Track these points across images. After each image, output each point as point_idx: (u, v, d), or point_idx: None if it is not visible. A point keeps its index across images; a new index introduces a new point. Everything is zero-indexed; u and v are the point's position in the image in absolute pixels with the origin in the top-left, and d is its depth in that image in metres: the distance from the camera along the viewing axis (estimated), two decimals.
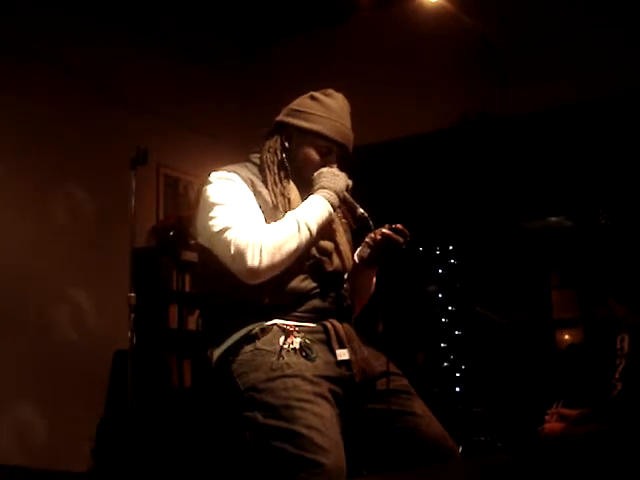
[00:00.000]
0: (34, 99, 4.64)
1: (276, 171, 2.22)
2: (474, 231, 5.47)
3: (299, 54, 5.93)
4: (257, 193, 2.17)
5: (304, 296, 2.13)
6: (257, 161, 2.27)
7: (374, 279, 2.41)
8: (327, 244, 2.20)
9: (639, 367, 3.06)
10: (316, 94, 2.29)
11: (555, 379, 4.61)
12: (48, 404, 4.38)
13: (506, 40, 5.22)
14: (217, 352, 2.17)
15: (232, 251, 2.02)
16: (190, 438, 4.47)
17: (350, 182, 2.24)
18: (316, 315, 2.13)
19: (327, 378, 2.04)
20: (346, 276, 2.28)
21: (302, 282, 2.12)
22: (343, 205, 2.25)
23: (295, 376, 1.99)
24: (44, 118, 4.69)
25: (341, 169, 2.25)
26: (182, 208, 5.51)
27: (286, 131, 2.27)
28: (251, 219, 2.09)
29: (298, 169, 2.24)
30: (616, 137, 4.96)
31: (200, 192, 2.19)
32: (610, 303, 3.40)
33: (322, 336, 2.11)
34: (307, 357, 2.04)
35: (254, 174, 2.22)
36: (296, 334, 2.07)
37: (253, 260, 2.00)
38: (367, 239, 2.28)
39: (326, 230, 2.20)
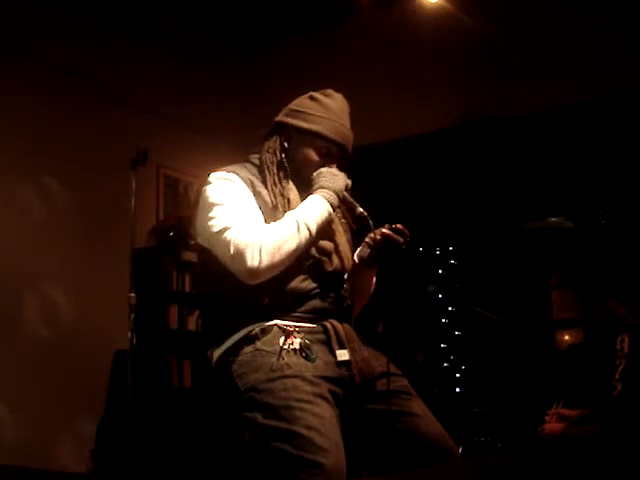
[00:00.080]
0: (34, 99, 4.63)
1: (275, 171, 2.22)
2: (474, 231, 5.47)
3: (299, 54, 5.93)
4: (256, 193, 2.17)
5: (304, 296, 2.12)
6: (256, 161, 2.27)
7: (374, 279, 2.41)
8: (327, 244, 2.20)
9: (639, 368, 3.06)
10: (315, 94, 2.29)
11: (555, 379, 4.61)
12: (48, 404, 4.37)
13: (506, 40, 5.22)
14: (217, 352, 2.17)
15: (231, 251, 2.02)
16: (190, 438, 4.47)
17: (349, 182, 2.24)
18: (316, 315, 2.13)
19: (327, 379, 2.04)
20: (346, 276, 2.28)
21: (302, 282, 2.12)
22: (342, 205, 2.25)
23: (295, 377, 1.99)
24: (44, 118, 4.68)
25: (340, 169, 2.25)
26: (182, 208, 5.51)
27: (285, 131, 2.27)
28: (250, 219, 2.09)
29: (297, 169, 2.24)
30: (616, 137, 4.96)
31: (199, 192, 2.19)
32: (610, 303, 3.40)
33: (322, 336, 2.11)
34: (307, 358, 2.04)
35: (253, 174, 2.22)
36: (296, 335, 2.07)
37: (253, 260, 2.00)
38: (367, 239, 2.28)
39: (326, 230, 2.20)
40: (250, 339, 2.08)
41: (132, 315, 3.32)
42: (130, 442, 3.47)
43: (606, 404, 3.11)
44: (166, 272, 5.19)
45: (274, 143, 2.27)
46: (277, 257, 2.03)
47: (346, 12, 5.70)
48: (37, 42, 4.70)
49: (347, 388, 2.09)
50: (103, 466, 4.52)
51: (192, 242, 2.43)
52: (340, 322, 2.15)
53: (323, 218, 2.13)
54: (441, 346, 5.46)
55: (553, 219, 5.64)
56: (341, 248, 2.25)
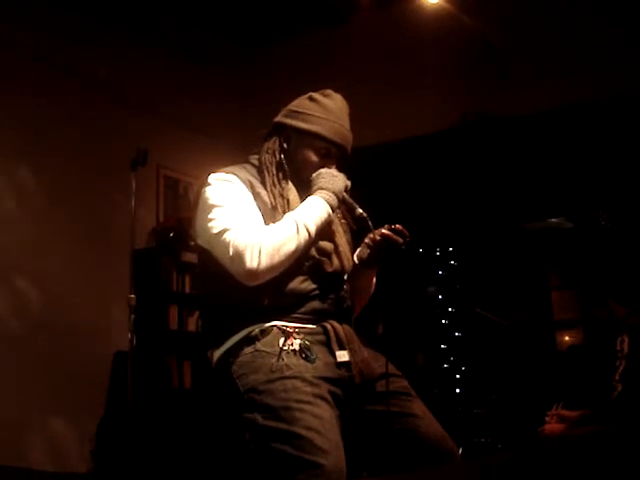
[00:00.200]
0: (34, 99, 4.63)
1: (274, 172, 2.22)
2: (474, 232, 5.47)
3: (299, 54, 5.93)
4: (256, 194, 2.16)
5: (304, 297, 2.12)
6: (256, 162, 2.27)
7: (374, 279, 2.40)
8: (326, 245, 2.20)
9: (639, 368, 3.06)
10: (314, 95, 2.29)
11: (555, 380, 4.62)
12: (48, 405, 4.37)
13: (506, 40, 5.22)
14: (217, 353, 2.17)
15: (231, 253, 2.02)
16: (190, 439, 4.47)
17: (349, 183, 2.23)
18: (316, 316, 2.13)
19: (327, 379, 2.04)
20: (346, 277, 2.27)
21: (302, 283, 2.12)
22: (342, 206, 2.25)
23: (295, 377, 1.99)
24: (44, 118, 4.68)
25: (340, 170, 2.24)
26: (182, 209, 5.51)
27: (284, 132, 2.27)
28: (250, 221, 2.09)
29: (297, 170, 2.24)
30: (616, 138, 4.96)
31: (199, 194, 2.19)
32: (610, 304, 3.40)
33: (322, 337, 2.11)
34: (307, 358, 2.04)
35: (253, 175, 2.22)
36: (296, 335, 2.07)
37: (252, 262, 2.00)
38: (366, 239, 2.27)
39: (325, 231, 2.20)
40: (250, 340, 2.08)
41: (132, 316, 3.32)
42: (130, 442, 3.47)
43: (606, 405, 3.11)
44: (166, 273, 5.18)
45: (273, 144, 2.27)
46: (276, 258, 2.03)
47: (346, 12, 5.69)
48: (37, 42, 4.70)
49: (347, 389, 2.09)
50: (103, 466, 4.52)
51: (192, 243, 2.43)
52: (340, 323, 2.15)
53: (322, 219, 2.13)
54: (441, 347, 5.46)
55: (553, 220, 5.64)
56: (341, 249, 2.24)
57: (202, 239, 2.16)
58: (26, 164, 4.57)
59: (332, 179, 2.18)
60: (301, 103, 2.29)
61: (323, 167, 2.21)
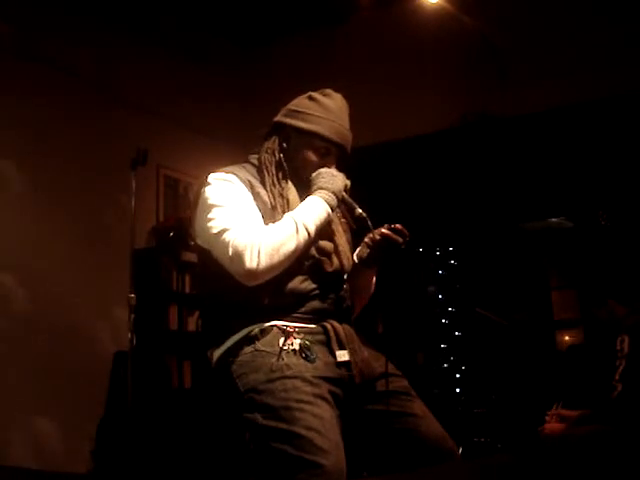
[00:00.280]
0: (34, 99, 4.63)
1: (274, 172, 2.21)
2: (474, 232, 5.47)
3: (299, 54, 5.93)
4: (255, 194, 2.16)
5: (304, 297, 2.12)
6: (255, 162, 2.27)
7: (374, 279, 2.40)
8: (326, 244, 2.19)
9: (639, 368, 3.06)
10: (314, 94, 2.29)
11: (555, 380, 4.61)
12: (48, 405, 4.37)
13: (506, 40, 5.22)
14: (217, 353, 2.17)
15: (230, 253, 2.02)
16: (190, 439, 4.47)
17: (348, 182, 2.23)
18: (316, 316, 2.13)
19: (327, 379, 2.04)
20: (346, 276, 2.27)
21: (302, 283, 2.12)
22: (342, 205, 2.25)
23: (295, 377, 1.99)
24: (44, 118, 4.68)
25: (339, 169, 2.24)
26: (182, 209, 5.51)
27: (284, 132, 2.27)
28: (249, 220, 2.09)
29: (296, 169, 2.24)
30: (616, 138, 4.96)
31: (199, 193, 2.18)
32: (610, 304, 3.40)
33: (322, 337, 2.11)
34: (307, 358, 2.04)
35: (252, 175, 2.22)
36: (296, 335, 2.07)
37: (251, 262, 2.00)
38: (366, 239, 2.27)
39: (325, 230, 2.19)
40: (250, 340, 2.08)
41: (132, 316, 3.32)
42: (130, 442, 3.47)
43: (606, 404, 3.11)
44: (166, 273, 5.19)
45: (273, 143, 2.26)
46: (276, 258, 2.03)
47: (346, 12, 5.69)
48: (37, 42, 4.70)
49: (347, 389, 2.09)
50: (103, 466, 4.52)
51: (192, 243, 2.44)
52: (340, 323, 2.15)
53: (322, 219, 2.13)
54: (441, 346, 5.46)
55: (553, 219, 5.64)
56: (341, 248, 2.24)
57: (202, 239, 2.16)
58: (26, 164, 4.57)
59: (332, 179, 2.18)
60: (301, 102, 2.29)
61: (323, 167, 2.21)
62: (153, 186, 5.50)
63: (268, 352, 2.04)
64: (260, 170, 2.23)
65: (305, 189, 2.20)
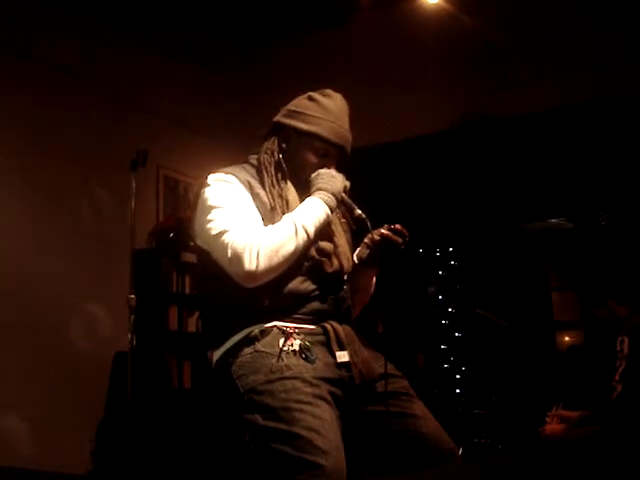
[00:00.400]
0: (34, 99, 4.63)
1: (273, 172, 2.21)
2: (474, 232, 5.47)
3: (299, 54, 5.93)
4: (255, 195, 2.16)
5: (304, 298, 2.12)
6: (255, 162, 2.27)
7: (374, 279, 2.40)
8: (326, 245, 2.19)
9: (639, 369, 3.06)
10: (314, 94, 2.29)
11: (555, 381, 4.61)
12: (48, 405, 4.37)
13: (506, 40, 5.22)
14: (217, 354, 2.17)
15: (229, 254, 2.02)
16: (190, 440, 4.47)
17: (348, 183, 2.23)
18: (316, 317, 2.13)
19: (327, 380, 2.04)
20: (346, 277, 2.27)
21: (301, 284, 2.12)
22: (341, 206, 2.24)
23: (295, 378, 1.99)
24: (44, 118, 4.68)
25: (339, 170, 2.24)
26: (182, 210, 5.51)
27: (283, 132, 2.27)
28: (248, 222, 2.08)
29: (296, 170, 2.24)
30: (616, 138, 4.95)
31: (198, 194, 2.18)
32: (610, 304, 3.40)
33: (322, 338, 2.11)
34: (307, 359, 2.04)
35: (252, 175, 2.21)
36: (296, 336, 2.07)
37: (250, 263, 2.00)
38: (366, 239, 2.27)
39: (325, 231, 2.19)
40: (250, 340, 2.08)
41: (132, 316, 3.32)
42: (130, 443, 3.47)
43: (606, 405, 3.11)
44: (166, 273, 5.18)
45: (272, 144, 2.26)
46: (275, 260, 2.02)
47: (346, 12, 5.69)
48: (37, 42, 4.70)
49: (347, 389, 2.09)
50: (103, 467, 4.51)
51: (192, 244, 2.44)
52: (340, 323, 2.15)
53: (321, 220, 2.13)
54: (441, 347, 5.45)
55: (553, 220, 5.63)
56: (340, 249, 2.24)
57: (201, 240, 2.16)
58: (26, 164, 4.56)
59: (331, 180, 2.18)
60: (300, 103, 2.29)
61: (322, 167, 2.21)
62: (153, 187, 5.50)
63: (268, 353, 2.04)
64: (259, 171, 2.23)
65: (305, 189, 2.19)
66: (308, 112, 2.24)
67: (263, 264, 2.01)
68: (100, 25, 5.05)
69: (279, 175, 2.21)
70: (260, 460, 2.03)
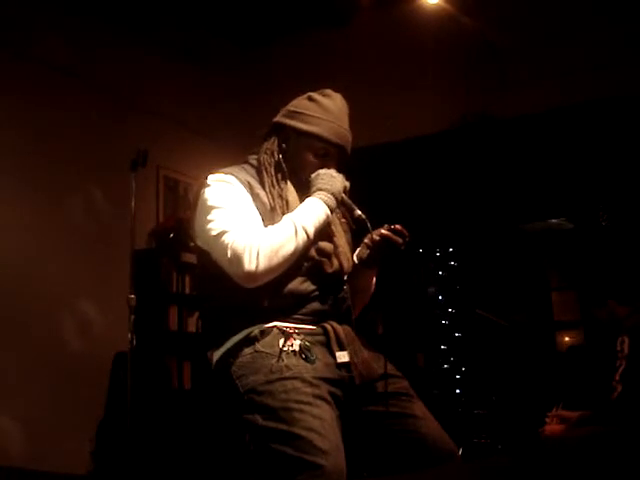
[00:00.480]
0: (34, 99, 4.63)
1: (273, 173, 2.21)
2: (474, 233, 5.47)
3: (299, 54, 5.92)
4: (255, 195, 2.16)
5: (304, 298, 2.12)
6: (255, 162, 2.26)
7: (374, 279, 2.40)
8: (326, 245, 2.19)
9: (639, 369, 3.05)
10: (313, 95, 2.28)
11: (555, 381, 4.61)
12: (48, 406, 4.37)
13: (506, 40, 5.22)
14: (217, 354, 2.16)
15: (229, 255, 2.02)
16: (190, 440, 4.47)
17: (347, 183, 2.23)
18: (316, 317, 2.12)
19: (327, 380, 2.04)
20: (346, 277, 2.27)
21: (301, 284, 2.11)
22: (341, 207, 2.24)
23: (294, 378, 1.98)
24: (44, 118, 4.68)
25: (339, 170, 2.24)
26: (182, 210, 5.51)
27: (283, 132, 2.26)
28: (248, 222, 2.08)
29: (296, 170, 2.23)
30: (617, 139, 4.96)
31: (198, 194, 2.18)
32: (610, 305, 3.40)
33: (322, 338, 2.10)
34: (307, 359, 2.04)
35: (252, 176, 2.21)
36: (296, 336, 2.06)
37: (250, 264, 2.00)
38: (366, 240, 2.27)
39: (325, 231, 2.19)
40: (250, 341, 2.07)
41: (132, 316, 3.32)
42: (130, 443, 3.47)
43: (606, 405, 3.11)
44: (166, 274, 5.18)
45: (272, 144, 2.26)
46: (274, 261, 2.02)
47: (346, 13, 5.68)
48: (37, 42, 4.69)
49: (347, 390, 2.08)
50: (103, 467, 4.51)
51: (192, 244, 2.44)
52: (340, 324, 2.15)
53: (321, 221, 2.13)
54: (441, 348, 5.45)
55: (553, 220, 5.63)
56: (340, 249, 2.24)
57: (201, 240, 2.16)
58: (26, 164, 4.56)
59: (331, 180, 2.18)
60: (300, 103, 2.28)
61: (322, 168, 2.21)
62: (153, 187, 5.50)
63: (268, 353, 2.04)
64: (259, 171, 2.23)
65: (305, 190, 2.19)
66: (308, 112, 2.24)
67: (263, 265, 2.00)
68: (100, 25, 5.05)
69: (279, 175, 2.21)
70: (260, 460, 2.03)
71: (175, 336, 5.12)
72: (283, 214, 2.13)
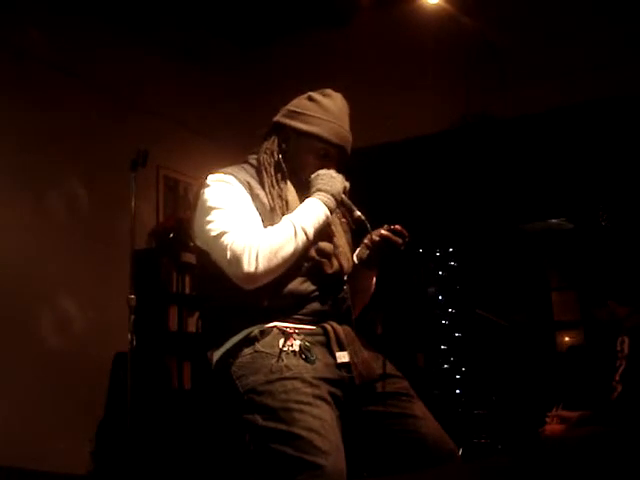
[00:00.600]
0: (34, 99, 4.63)
1: (273, 173, 2.21)
2: (474, 233, 5.46)
3: (299, 54, 5.92)
4: (254, 196, 2.16)
5: (304, 299, 2.12)
6: (255, 162, 2.26)
7: (374, 280, 2.40)
8: (326, 246, 2.19)
9: (639, 369, 3.05)
10: (314, 94, 2.28)
11: (555, 381, 4.61)
12: (48, 405, 4.37)
13: (506, 40, 5.21)
14: (217, 354, 2.16)
15: (228, 256, 2.02)
16: (190, 440, 4.47)
17: (347, 184, 2.22)
18: (316, 317, 2.12)
19: (327, 380, 2.04)
20: (346, 278, 2.26)
21: (301, 285, 2.11)
22: (341, 207, 2.24)
23: (294, 378, 1.98)
24: (44, 118, 4.68)
25: (339, 170, 2.24)
26: (182, 210, 5.51)
27: (283, 132, 2.26)
28: (248, 223, 2.08)
29: (295, 170, 2.23)
30: (616, 138, 4.95)
31: (198, 195, 2.18)
32: (610, 305, 3.40)
33: (322, 338, 2.10)
34: (307, 359, 2.04)
35: (251, 176, 2.21)
36: (296, 336, 2.06)
37: (249, 265, 2.00)
38: (366, 240, 2.27)
39: (325, 231, 2.19)
40: (250, 341, 2.07)
41: (132, 317, 3.33)
42: (130, 443, 3.47)
43: (606, 406, 3.11)
44: (166, 274, 5.18)
45: (272, 144, 2.26)
46: (274, 262, 2.02)
47: (346, 13, 5.69)
48: (37, 42, 4.69)
49: (347, 390, 2.08)
50: (103, 467, 4.51)
51: (191, 244, 2.44)
52: (340, 324, 2.15)
53: (320, 222, 2.12)
54: (441, 348, 5.45)
55: (553, 220, 5.63)
56: (340, 249, 2.24)
57: (201, 240, 2.16)
58: (26, 164, 4.56)
59: (331, 181, 2.17)
60: (300, 103, 2.28)
61: (322, 168, 2.21)
62: (153, 187, 5.50)
63: (268, 353, 2.04)
64: (259, 171, 2.22)
65: (304, 190, 2.19)
66: (308, 112, 2.24)
67: (262, 266, 2.00)
68: (100, 25, 5.05)
69: (279, 175, 2.21)
70: (260, 460, 2.03)
71: (175, 336, 5.12)
72: (283, 214, 2.13)
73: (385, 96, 5.55)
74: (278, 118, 2.29)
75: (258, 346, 2.05)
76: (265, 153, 2.24)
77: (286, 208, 2.15)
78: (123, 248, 3.73)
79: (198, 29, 5.79)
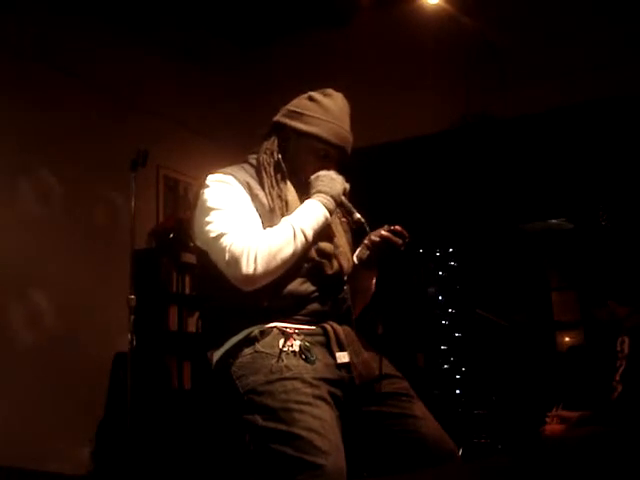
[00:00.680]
0: (34, 99, 4.63)
1: (272, 173, 2.20)
2: (474, 233, 5.46)
3: (299, 54, 5.93)
4: (254, 196, 2.15)
5: (304, 299, 2.11)
6: (254, 162, 2.26)
7: (374, 280, 2.39)
8: (326, 246, 2.18)
9: (639, 369, 3.05)
10: (314, 94, 2.27)
11: (555, 381, 4.61)
12: (48, 406, 4.37)
13: (506, 40, 5.22)
14: (217, 354, 2.16)
15: (227, 258, 2.02)
16: (190, 440, 4.47)
17: (347, 185, 2.22)
18: (316, 318, 2.12)
19: (327, 381, 2.04)
20: (346, 278, 2.26)
21: (301, 285, 2.11)
22: (340, 208, 2.24)
23: (294, 379, 1.98)
24: (44, 118, 4.68)
25: (339, 171, 2.23)
26: (182, 210, 5.51)
27: (283, 132, 2.26)
28: (247, 224, 2.08)
29: (295, 171, 2.23)
30: (617, 139, 4.96)
31: (197, 195, 2.18)
32: (610, 305, 3.40)
33: (322, 339, 2.10)
34: (307, 360, 2.04)
35: (251, 176, 2.20)
36: (296, 337, 2.06)
37: (248, 267, 2.00)
38: (365, 241, 2.26)
39: (325, 232, 2.19)
40: (250, 341, 2.07)
41: (132, 317, 3.33)
42: (130, 443, 3.47)
43: (606, 406, 3.11)
44: (166, 274, 5.18)
45: (272, 144, 2.25)
46: (273, 264, 2.02)
47: (347, 13, 5.69)
48: (37, 42, 4.69)
49: (347, 390, 2.08)
50: (103, 467, 4.51)
51: (191, 244, 2.44)
52: (340, 324, 2.14)
53: (320, 223, 2.12)
54: (441, 348, 5.45)
55: (553, 220, 5.63)
56: (341, 250, 2.23)
57: (200, 241, 2.15)
58: (26, 164, 4.56)
59: (331, 182, 2.17)
60: (300, 103, 2.28)
61: (322, 169, 2.20)
62: (153, 187, 5.50)
63: (268, 353, 2.03)
64: (259, 171, 2.22)
65: (304, 190, 2.19)
66: (308, 112, 2.23)
67: (261, 268, 2.00)
68: (100, 25, 5.05)
69: (278, 176, 2.20)
70: (260, 461, 2.03)
71: (175, 336, 5.12)
72: (282, 215, 2.12)
73: (385, 96, 5.55)
74: (278, 118, 2.28)
75: (258, 346, 2.05)
76: (265, 153, 2.24)
77: (286, 209, 2.14)
78: (123, 248, 3.73)
79: (198, 29, 5.79)
